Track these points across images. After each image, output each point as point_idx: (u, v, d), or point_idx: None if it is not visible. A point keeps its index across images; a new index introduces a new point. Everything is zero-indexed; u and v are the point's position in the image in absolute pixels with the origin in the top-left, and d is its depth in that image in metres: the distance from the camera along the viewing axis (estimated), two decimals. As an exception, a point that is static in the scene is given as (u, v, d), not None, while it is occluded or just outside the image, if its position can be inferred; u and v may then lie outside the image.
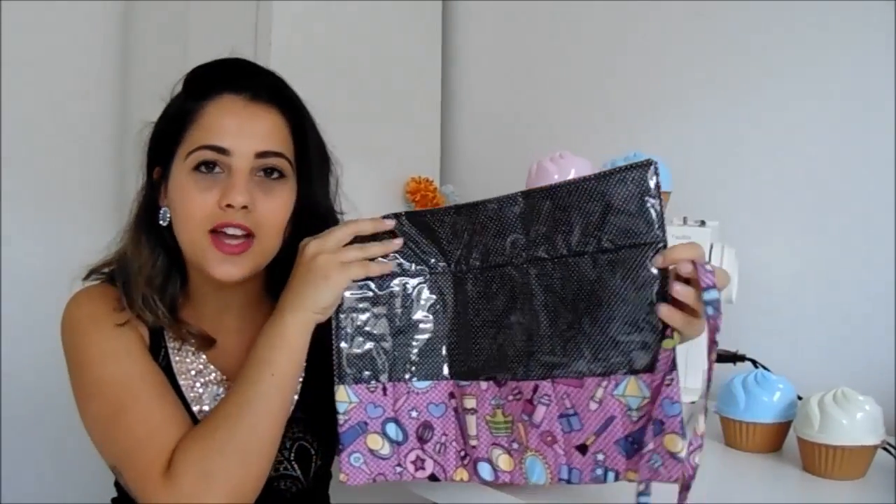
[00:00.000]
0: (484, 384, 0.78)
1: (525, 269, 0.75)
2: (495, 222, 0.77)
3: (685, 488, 0.66)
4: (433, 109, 1.76)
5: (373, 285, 0.80)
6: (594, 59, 1.51)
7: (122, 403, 0.76)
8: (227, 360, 0.87)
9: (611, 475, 0.70)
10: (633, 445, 0.69)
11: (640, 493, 0.68)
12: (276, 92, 0.83)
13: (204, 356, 0.86)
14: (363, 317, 0.80)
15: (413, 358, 0.81)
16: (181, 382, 0.83)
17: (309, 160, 0.85)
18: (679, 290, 0.67)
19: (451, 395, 0.80)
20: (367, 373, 0.80)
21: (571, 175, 1.11)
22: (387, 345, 0.81)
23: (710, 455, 0.96)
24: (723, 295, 1.00)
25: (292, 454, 0.85)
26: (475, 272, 0.79)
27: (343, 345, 0.80)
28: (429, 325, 0.81)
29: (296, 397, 0.87)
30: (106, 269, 0.86)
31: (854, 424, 0.84)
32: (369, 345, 0.80)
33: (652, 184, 0.68)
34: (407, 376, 0.81)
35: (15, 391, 1.72)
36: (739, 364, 1.11)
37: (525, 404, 0.75)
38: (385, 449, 0.80)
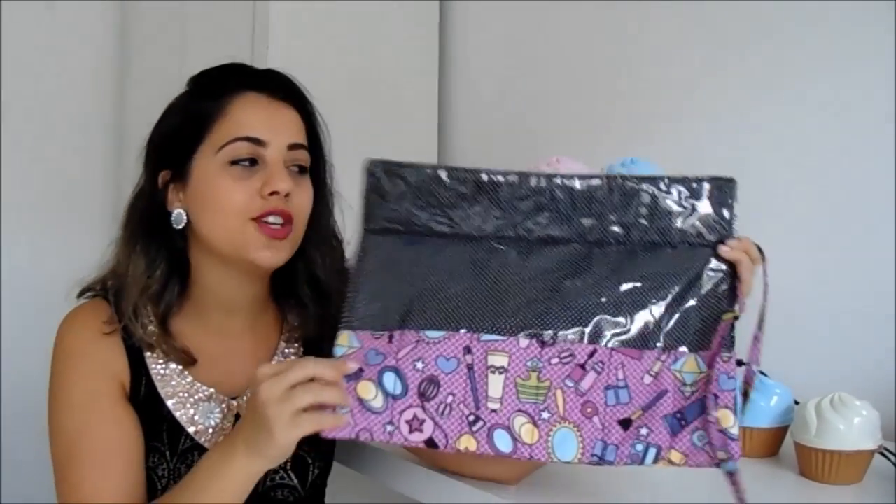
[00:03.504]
0: (524, 341, 0.71)
1: (587, 249, 0.74)
2: (566, 200, 0.74)
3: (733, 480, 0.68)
4: (430, 111, 1.76)
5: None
6: (592, 62, 1.50)
7: (67, 463, 0.77)
8: (224, 369, 0.86)
9: (651, 452, 0.69)
10: (679, 422, 0.70)
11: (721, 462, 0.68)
12: (291, 91, 0.86)
13: (190, 376, 0.84)
14: (383, 277, 0.74)
15: (428, 306, 0.73)
16: (171, 406, 0.82)
17: (321, 159, 0.88)
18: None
19: (467, 350, 0.71)
20: (376, 319, 0.73)
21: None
22: (404, 297, 0.73)
23: (706, 460, 0.97)
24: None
25: (289, 463, 0.85)
26: (524, 243, 0.75)
27: (357, 294, 0.74)
28: (451, 282, 0.74)
29: None
30: (98, 287, 0.85)
31: (851, 429, 0.84)
32: (384, 295, 0.73)
33: (732, 198, 0.75)
34: (419, 324, 0.72)
35: (15, 391, 1.73)
36: (737, 369, 1.11)
37: (575, 369, 0.71)
38: (378, 401, 0.70)
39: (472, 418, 0.70)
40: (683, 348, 0.72)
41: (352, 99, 1.56)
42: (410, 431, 0.70)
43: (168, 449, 0.81)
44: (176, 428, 0.82)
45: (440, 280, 0.74)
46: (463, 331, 0.72)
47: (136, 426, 0.80)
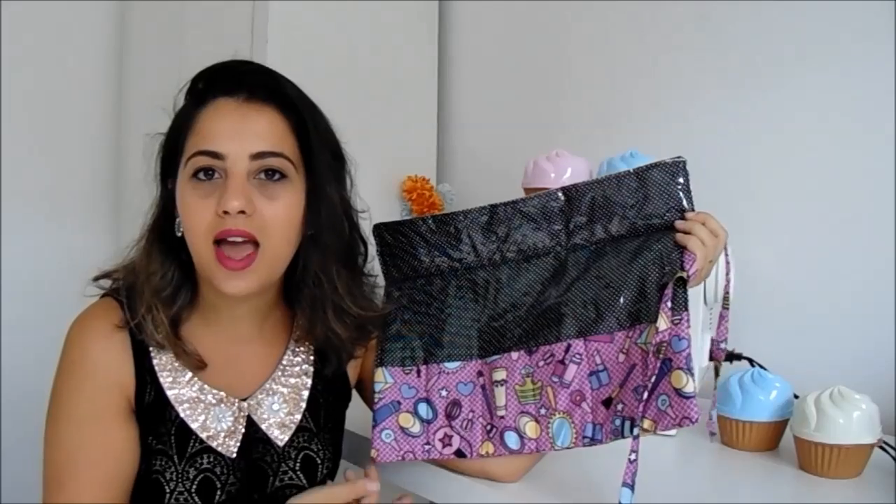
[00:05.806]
0: (515, 354, 0.82)
1: (563, 256, 0.84)
2: (535, 217, 0.85)
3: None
4: (429, 108, 1.76)
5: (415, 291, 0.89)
6: (590, 59, 1.51)
7: (64, 471, 0.76)
8: (233, 372, 0.86)
9: (627, 423, 0.74)
10: (646, 390, 0.73)
11: (623, 484, 0.69)
12: (274, 91, 0.80)
13: (199, 381, 0.83)
14: (404, 316, 0.88)
15: (445, 341, 0.86)
16: (181, 411, 0.81)
17: (314, 158, 0.81)
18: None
19: (479, 374, 0.84)
20: (405, 357, 0.87)
21: (568, 174, 1.12)
22: (424, 334, 0.87)
23: (706, 454, 0.97)
24: (719, 293, 1.01)
25: (298, 464, 0.84)
26: (511, 263, 0.86)
27: (385, 334, 0.87)
28: (461, 313, 0.87)
29: (303, 405, 0.87)
30: (115, 278, 0.84)
31: (850, 423, 0.84)
32: (408, 334, 0.87)
33: (681, 177, 0.80)
34: (439, 358, 0.86)
35: (15, 391, 1.73)
36: (736, 363, 1.11)
37: (556, 366, 0.80)
38: (416, 427, 0.84)
39: (488, 427, 0.82)
40: (645, 322, 0.76)
41: (351, 99, 1.56)
42: (443, 447, 0.83)
43: (176, 453, 0.80)
44: (184, 432, 0.80)
45: (452, 312, 0.87)
46: (474, 360, 0.85)
47: (136, 444, 0.80)
